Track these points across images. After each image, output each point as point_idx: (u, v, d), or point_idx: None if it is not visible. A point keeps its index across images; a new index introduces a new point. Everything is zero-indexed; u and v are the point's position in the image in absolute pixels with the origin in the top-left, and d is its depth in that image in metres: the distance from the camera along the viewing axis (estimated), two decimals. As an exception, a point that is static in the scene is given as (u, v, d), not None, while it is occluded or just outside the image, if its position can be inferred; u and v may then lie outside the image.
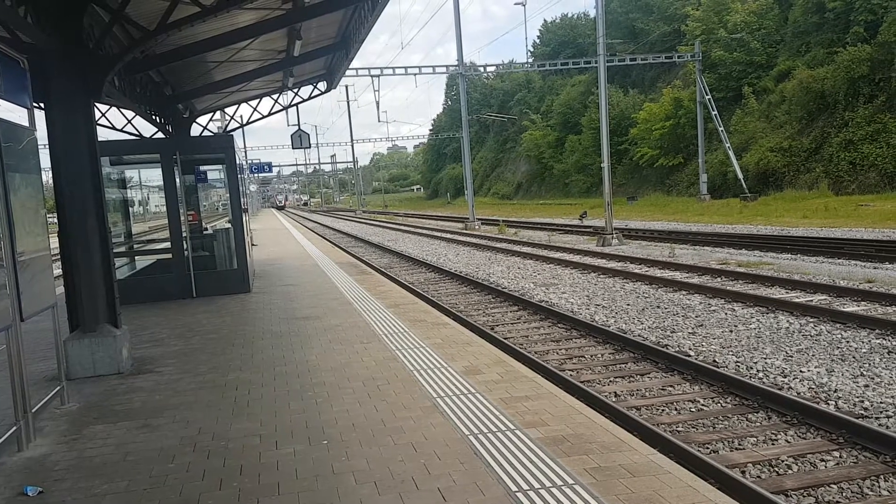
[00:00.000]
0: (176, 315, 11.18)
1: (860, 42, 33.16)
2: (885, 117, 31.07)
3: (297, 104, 20.74)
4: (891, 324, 9.24)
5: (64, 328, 7.25)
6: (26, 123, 5.98)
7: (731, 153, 37.81)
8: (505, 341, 9.82)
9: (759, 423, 6.43)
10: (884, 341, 8.73)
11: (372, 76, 37.79)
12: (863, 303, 11.07)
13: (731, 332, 9.91)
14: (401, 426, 5.24)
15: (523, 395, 5.82)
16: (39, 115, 7.03)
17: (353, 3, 12.02)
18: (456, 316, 11.77)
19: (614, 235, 22.98)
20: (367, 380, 6.56)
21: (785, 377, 7.67)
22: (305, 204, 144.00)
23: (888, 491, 5.02)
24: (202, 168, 15.04)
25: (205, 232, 15.16)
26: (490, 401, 5.70)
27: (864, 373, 7.61)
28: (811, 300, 11.47)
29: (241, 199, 13.52)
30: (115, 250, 8.55)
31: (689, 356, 8.65)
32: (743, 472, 5.38)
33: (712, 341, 9.46)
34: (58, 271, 9.01)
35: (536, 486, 4.09)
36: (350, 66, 18.56)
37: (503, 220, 35.84)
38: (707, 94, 39.26)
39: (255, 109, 20.90)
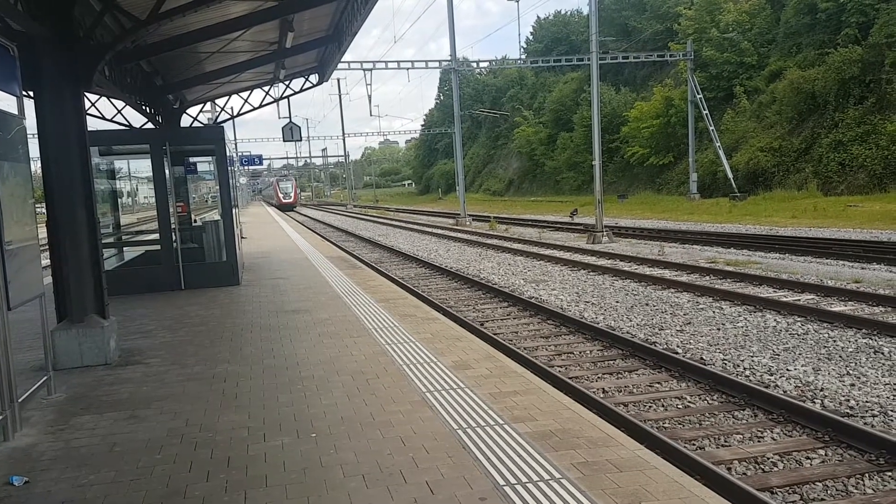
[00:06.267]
0: (164, 307, 11.13)
1: (851, 43, 33.29)
2: (875, 119, 31.22)
3: (288, 96, 20.73)
4: (877, 324, 9.32)
5: (51, 318, 7.20)
6: (15, 112, 5.94)
7: (721, 152, 37.93)
8: (495, 337, 9.83)
9: (745, 421, 6.47)
10: (870, 341, 8.80)
11: (364, 70, 37.62)
12: (850, 302, 11.15)
13: (719, 330, 9.96)
14: (390, 420, 5.24)
15: (512, 390, 5.83)
16: (29, 104, 6.99)
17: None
18: (446, 311, 11.78)
19: (604, 233, 23.04)
20: (357, 373, 6.56)
21: (772, 375, 7.72)
22: None
23: (872, 489, 5.06)
24: (192, 159, 14.96)
25: (194, 224, 15.10)
26: (479, 396, 5.71)
27: (851, 372, 7.67)
28: (799, 299, 11.55)
29: (231, 192, 13.46)
30: (103, 241, 8.51)
31: (677, 353, 8.69)
32: (729, 469, 5.42)
33: (700, 339, 9.51)
34: (46, 261, 8.95)
35: (524, 479, 4.11)
36: (342, 60, 18.51)
37: (494, 217, 35.87)
38: (698, 94, 39.35)
39: (245, 101, 20.83)
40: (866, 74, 32.18)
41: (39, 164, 7.68)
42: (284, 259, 17.76)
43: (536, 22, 77.72)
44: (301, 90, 20.04)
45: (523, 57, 68.14)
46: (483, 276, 16.59)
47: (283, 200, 75.96)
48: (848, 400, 6.83)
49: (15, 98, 5.98)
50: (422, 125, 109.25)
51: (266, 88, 20.19)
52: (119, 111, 16.42)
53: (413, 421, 5.19)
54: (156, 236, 13.02)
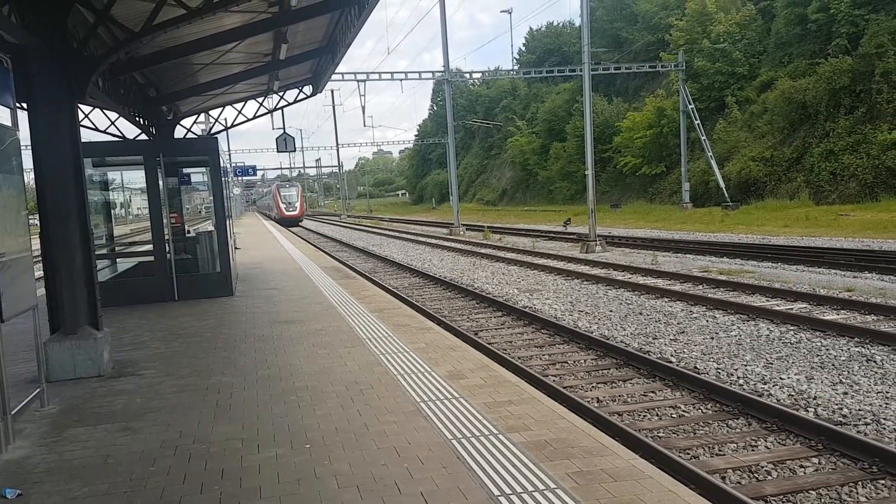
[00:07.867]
0: (158, 318, 11.10)
1: (842, 54, 33.55)
2: (866, 128, 31.44)
3: (282, 108, 20.69)
4: (870, 332, 9.36)
5: (44, 330, 7.18)
6: (9, 123, 5.93)
7: (713, 162, 38.11)
8: (489, 346, 9.83)
9: (739, 430, 6.49)
10: (863, 349, 8.84)
11: (358, 81, 37.67)
12: (842, 311, 11.19)
13: (713, 339, 9.98)
14: (384, 430, 5.23)
15: (506, 399, 5.83)
16: (22, 116, 6.98)
17: (339, 7, 12.02)
18: (440, 321, 11.78)
19: (598, 242, 23.09)
20: (351, 384, 6.55)
21: (765, 384, 7.74)
22: None
23: (866, 497, 5.08)
24: (186, 171, 14.95)
25: (188, 235, 15.08)
26: (473, 405, 5.71)
27: (844, 380, 7.70)
28: (791, 308, 11.58)
29: (225, 202, 13.46)
30: (96, 252, 8.48)
31: (671, 362, 8.71)
32: (723, 478, 5.43)
33: (694, 348, 9.53)
34: (39, 273, 8.92)
35: (519, 490, 4.11)
36: (336, 71, 18.54)
37: (488, 226, 35.92)
38: (690, 104, 39.57)
39: (239, 112, 20.83)
40: (856, 84, 32.42)
41: (33, 176, 7.67)
42: (278, 269, 17.73)
43: (529, 33, 78.19)
44: (295, 101, 20.06)
45: (516, 68, 68.47)
46: (477, 285, 16.60)
47: (286, 213, 58.17)
48: (841, 408, 6.85)
49: (9, 110, 5.98)
50: (415, 135, 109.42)
51: (260, 99, 20.21)
52: (113, 122, 16.40)
53: (407, 431, 5.19)
54: (149, 247, 12.99)
